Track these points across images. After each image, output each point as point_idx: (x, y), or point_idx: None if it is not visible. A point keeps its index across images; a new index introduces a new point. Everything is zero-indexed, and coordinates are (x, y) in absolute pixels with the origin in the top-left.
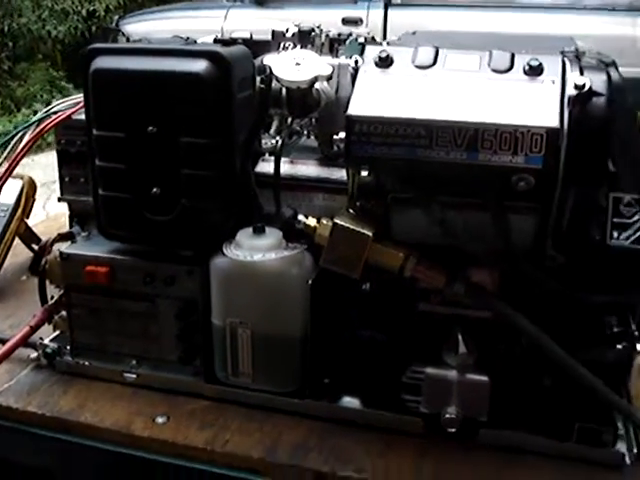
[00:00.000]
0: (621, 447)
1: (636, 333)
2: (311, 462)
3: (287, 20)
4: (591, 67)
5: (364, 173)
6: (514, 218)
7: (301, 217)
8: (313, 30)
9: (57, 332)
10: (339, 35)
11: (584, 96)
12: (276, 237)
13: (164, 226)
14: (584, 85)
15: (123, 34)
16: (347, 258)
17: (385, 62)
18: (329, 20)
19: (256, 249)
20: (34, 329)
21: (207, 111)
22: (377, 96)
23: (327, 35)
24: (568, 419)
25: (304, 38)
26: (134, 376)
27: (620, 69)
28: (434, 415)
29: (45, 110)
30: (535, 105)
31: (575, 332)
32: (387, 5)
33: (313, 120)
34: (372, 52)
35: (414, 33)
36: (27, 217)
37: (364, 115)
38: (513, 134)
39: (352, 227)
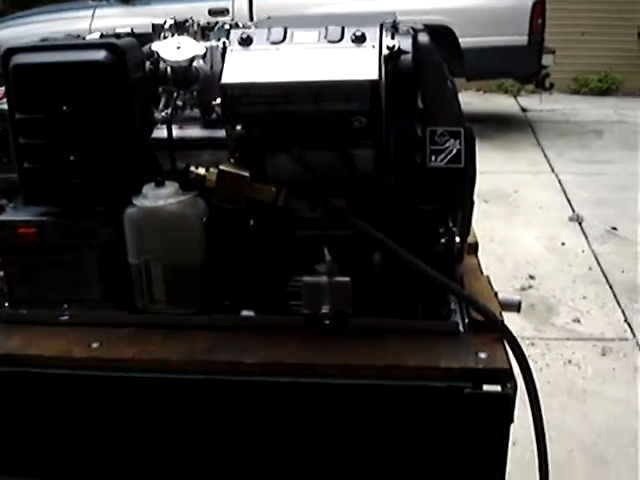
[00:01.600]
0: (456, 319)
1: (455, 229)
2: (222, 357)
3: (154, 16)
4: (402, 33)
5: (238, 128)
6: (356, 152)
7: (192, 168)
8: (187, 21)
9: None
10: (209, 24)
11: (394, 54)
12: (174, 187)
13: (81, 187)
14: (394, 46)
15: None
16: (232, 196)
17: (246, 41)
18: (196, 12)
19: (159, 197)
20: None
21: (109, 90)
22: (243, 67)
23: (199, 24)
24: (413, 302)
25: (180, 28)
26: (67, 317)
27: None
28: (313, 314)
29: None
30: (361, 64)
31: (410, 235)
32: None
33: (194, 94)
34: (236, 34)
35: (269, 18)
36: None
37: (235, 82)
38: (346, 86)
39: (233, 171)
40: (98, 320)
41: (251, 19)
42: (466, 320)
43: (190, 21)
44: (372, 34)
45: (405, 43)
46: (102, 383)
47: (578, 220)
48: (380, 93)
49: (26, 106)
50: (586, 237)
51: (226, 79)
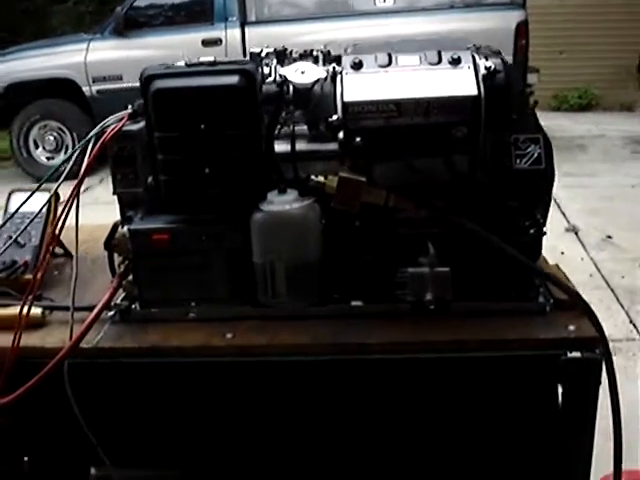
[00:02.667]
0: (543, 300)
1: (542, 222)
2: (348, 339)
3: (148, 48)
4: (490, 55)
5: (357, 139)
6: (456, 158)
7: (313, 177)
8: (286, 49)
9: (123, 294)
10: (305, 51)
11: (492, 74)
12: (295, 194)
13: (214, 197)
14: (491, 67)
15: None
16: (349, 200)
17: (358, 65)
18: (190, 43)
19: (284, 203)
20: (115, 291)
21: (242, 110)
22: (359, 87)
23: (296, 51)
24: (506, 287)
25: (280, 56)
26: (195, 314)
27: None
28: (418, 301)
29: (100, 126)
30: (461, 82)
31: (502, 228)
32: (243, 24)
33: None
34: (347, 59)
35: (355, 45)
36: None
37: (354, 100)
38: (451, 101)
39: (352, 177)
40: (225, 315)
41: (244, 49)
42: (551, 300)
43: (288, 50)
44: (465, 57)
45: (497, 63)
46: (239, 369)
47: (574, 230)
48: (480, 106)
49: (165, 126)
50: (584, 246)
51: (347, 97)
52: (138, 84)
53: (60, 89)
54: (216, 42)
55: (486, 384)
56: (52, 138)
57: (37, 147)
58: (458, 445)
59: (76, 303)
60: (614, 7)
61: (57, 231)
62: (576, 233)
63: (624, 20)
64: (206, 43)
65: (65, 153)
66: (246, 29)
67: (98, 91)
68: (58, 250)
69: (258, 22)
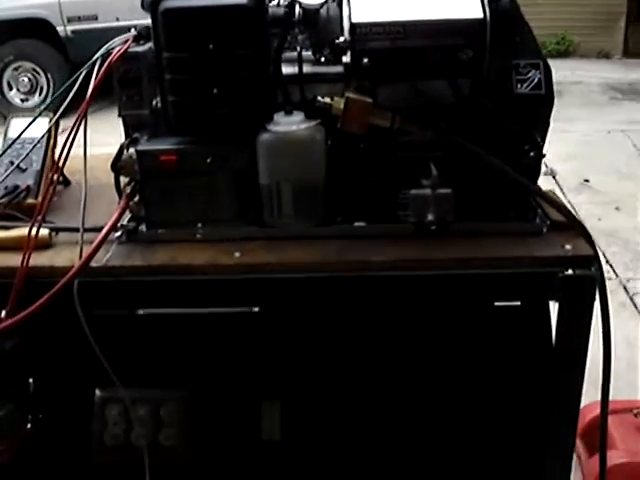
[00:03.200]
0: (539, 221)
1: (541, 145)
2: (352, 256)
3: None
4: None
5: (365, 60)
6: (460, 80)
7: (319, 98)
8: None
9: (129, 215)
10: None
11: None
12: (301, 116)
13: (222, 118)
14: None
15: None
16: (356, 120)
17: None
18: None
19: (291, 124)
20: (122, 212)
21: (251, 30)
22: (367, 8)
23: None
24: (504, 208)
25: None
26: (202, 234)
27: None
28: (419, 222)
29: (105, 48)
30: (468, 6)
31: (503, 150)
32: None
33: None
34: None
35: None
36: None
37: (362, 21)
38: (457, 24)
39: (359, 97)
40: (232, 236)
41: None
42: (548, 222)
43: None
44: None
45: None
46: (247, 286)
47: (552, 174)
48: (486, 29)
49: (174, 46)
50: (561, 189)
51: (355, 18)
52: (113, 24)
53: (34, 29)
54: None
55: (484, 301)
56: (26, 79)
57: (11, 89)
58: (456, 358)
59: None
60: None
61: (63, 157)
62: (554, 177)
63: None
64: None
65: (40, 95)
66: None
67: (73, 31)
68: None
69: None
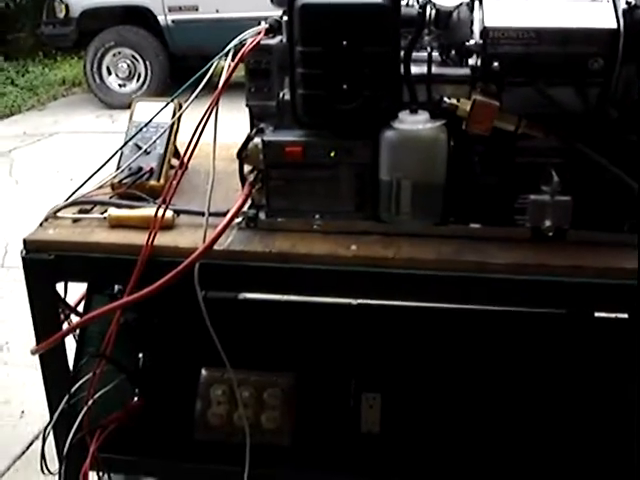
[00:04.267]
0: None
1: None
2: (469, 256)
3: None
4: None
5: (495, 64)
6: (589, 89)
7: (446, 99)
8: None
9: (250, 203)
10: None
11: (632, 9)
12: (426, 115)
13: (349, 112)
14: (631, 2)
15: (62, 1)
16: (482, 123)
17: None
18: None
19: (416, 122)
20: (246, 198)
21: (385, 29)
22: (500, 13)
23: None
24: (621, 219)
25: None
26: (320, 225)
27: None
28: (537, 228)
29: (238, 39)
30: (601, 15)
31: (626, 161)
32: None
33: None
34: None
35: None
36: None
37: (495, 26)
38: (590, 33)
39: (486, 100)
40: (349, 229)
41: None
42: None
43: None
44: None
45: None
46: (363, 279)
47: None
48: (618, 40)
49: (309, 40)
50: None
51: (489, 22)
52: (213, 15)
53: (135, 17)
54: None
55: (597, 309)
56: (125, 65)
57: (110, 74)
58: (555, 364)
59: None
60: None
61: (192, 144)
62: None
63: None
64: None
65: (137, 82)
66: None
67: (173, 20)
68: (174, 162)
69: None
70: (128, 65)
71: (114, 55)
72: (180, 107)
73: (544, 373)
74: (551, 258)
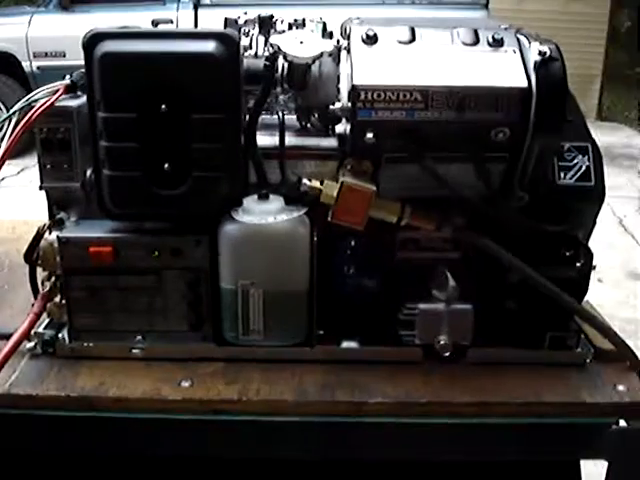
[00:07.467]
0: (582, 349)
1: (591, 252)
2: (341, 396)
3: (94, 24)
4: (540, 40)
5: (369, 135)
6: (489, 166)
7: (305, 181)
8: (272, 16)
9: (47, 320)
10: (295, 20)
11: (546, 60)
12: (280, 202)
13: (174, 200)
14: (546, 52)
15: None
16: (353, 212)
17: (372, 40)
18: (139, 22)
19: (267, 213)
20: (37, 317)
21: (219, 88)
22: (374, 68)
23: (286, 20)
24: (540, 331)
25: (265, 24)
26: (141, 350)
27: None
28: (428, 345)
29: (25, 99)
30: (506, 70)
31: (541, 256)
32: (197, 6)
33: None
34: (358, 31)
35: (358, 18)
36: None
37: (368, 84)
38: (493, 95)
39: (358, 183)
40: (180, 355)
41: None
42: (591, 350)
43: (276, 17)
44: (509, 38)
45: (553, 49)
46: (201, 428)
47: None
48: (531, 102)
49: (114, 103)
50: None
51: (358, 80)
52: (82, 62)
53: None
54: (167, 23)
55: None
56: None
57: None
58: None
59: None
60: (573, 15)
61: None
62: None
63: (582, 29)
64: (156, 24)
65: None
66: (199, 11)
67: (39, 67)
68: None
69: (213, 5)
70: None
71: None
72: None
73: None
74: (448, 391)
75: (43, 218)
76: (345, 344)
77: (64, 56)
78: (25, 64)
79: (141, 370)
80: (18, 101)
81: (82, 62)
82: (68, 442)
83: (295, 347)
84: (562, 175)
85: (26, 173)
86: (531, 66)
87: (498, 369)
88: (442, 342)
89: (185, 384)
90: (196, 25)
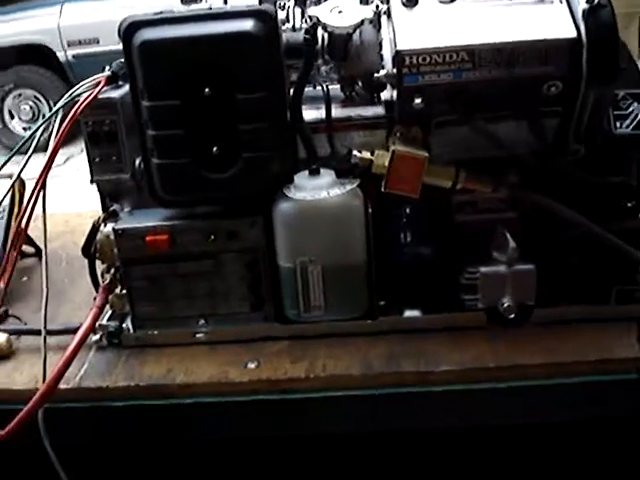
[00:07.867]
0: None
1: None
2: (407, 367)
3: (125, 7)
4: None
5: (417, 101)
6: (543, 121)
7: (355, 152)
8: None
9: (110, 312)
10: None
11: (595, 8)
12: (331, 176)
13: (225, 183)
14: (593, 0)
15: None
16: (406, 181)
17: (412, 2)
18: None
19: (319, 188)
20: (101, 310)
21: (261, 66)
22: (416, 31)
23: None
24: (605, 286)
25: None
26: (205, 334)
27: None
28: (491, 309)
29: (68, 94)
30: (552, 22)
31: (601, 209)
32: None
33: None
34: None
35: None
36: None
37: (412, 49)
38: (542, 48)
39: (410, 152)
40: (244, 336)
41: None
42: None
43: None
44: None
45: None
46: (269, 408)
47: None
48: (581, 53)
49: (157, 91)
50: None
51: (402, 45)
52: (115, 47)
53: (33, 55)
54: (196, 1)
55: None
56: (28, 107)
57: (12, 117)
58: None
59: (50, 322)
60: None
61: (23, 226)
62: None
63: None
64: (187, 1)
65: None
66: None
67: (74, 55)
68: (27, 248)
69: None
70: (31, 107)
71: (15, 97)
72: (24, 184)
73: None
74: (519, 353)
75: (94, 208)
76: (407, 313)
77: (98, 42)
78: (60, 54)
79: (206, 354)
80: (59, 94)
81: (116, 47)
82: (140, 431)
83: (358, 320)
84: (618, 124)
85: (72, 162)
86: (579, 15)
87: (564, 328)
88: (506, 304)
89: (251, 365)
90: (225, 2)
